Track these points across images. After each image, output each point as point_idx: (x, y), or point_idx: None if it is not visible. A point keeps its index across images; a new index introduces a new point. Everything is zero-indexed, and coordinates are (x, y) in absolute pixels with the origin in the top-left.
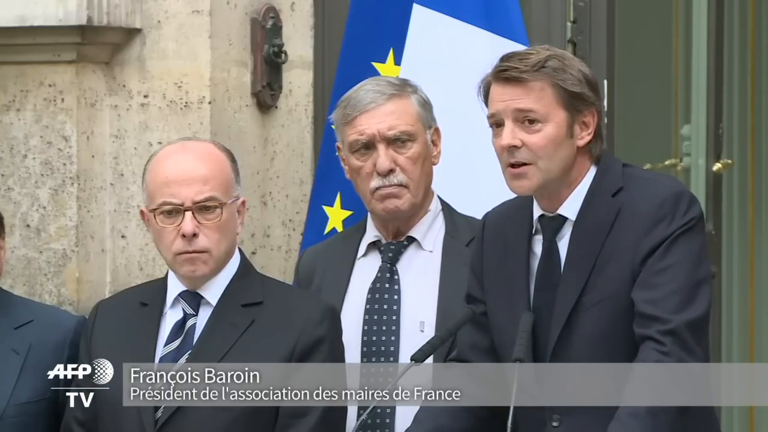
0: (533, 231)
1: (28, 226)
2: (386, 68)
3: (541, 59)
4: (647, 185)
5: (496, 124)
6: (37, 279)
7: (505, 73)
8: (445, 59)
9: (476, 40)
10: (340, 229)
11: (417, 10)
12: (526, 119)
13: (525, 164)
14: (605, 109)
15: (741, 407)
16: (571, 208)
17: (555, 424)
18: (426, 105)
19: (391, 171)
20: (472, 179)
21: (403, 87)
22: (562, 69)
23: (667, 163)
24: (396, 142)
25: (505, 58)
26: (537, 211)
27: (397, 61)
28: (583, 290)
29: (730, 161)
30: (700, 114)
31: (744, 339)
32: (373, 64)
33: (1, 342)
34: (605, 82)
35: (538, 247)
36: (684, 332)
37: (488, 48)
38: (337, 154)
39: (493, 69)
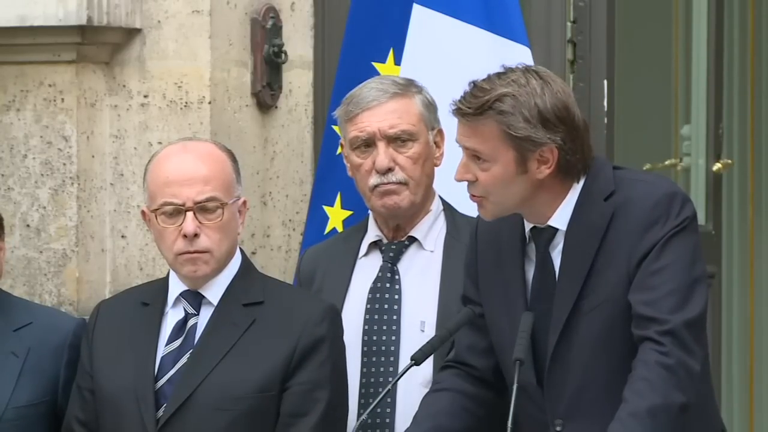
0: (527, 240)
1: (28, 226)
2: (386, 68)
3: (489, 100)
4: (639, 187)
5: None
6: (37, 279)
7: (455, 112)
8: (445, 59)
9: (476, 40)
10: (340, 229)
11: (417, 10)
12: (476, 156)
13: (478, 196)
14: (605, 108)
15: (741, 407)
16: (561, 219)
17: (558, 428)
18: (430, 106)
19: (390, 169)
20: None
21: (408, 87)
22: (511, 112)
23: (667, 163)
24: (396, 140)
25: (469, 87)
26: (528, 224)
27: (397, 61)
28: (580, 295)
29: (730, 161)
30: (700, 114)
31: (744, 339)
32: (373, 64)
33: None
34: (605, 82)
35: (532, 253)
36: (682, 332)
37: (488, 48)
38: (340, 152)
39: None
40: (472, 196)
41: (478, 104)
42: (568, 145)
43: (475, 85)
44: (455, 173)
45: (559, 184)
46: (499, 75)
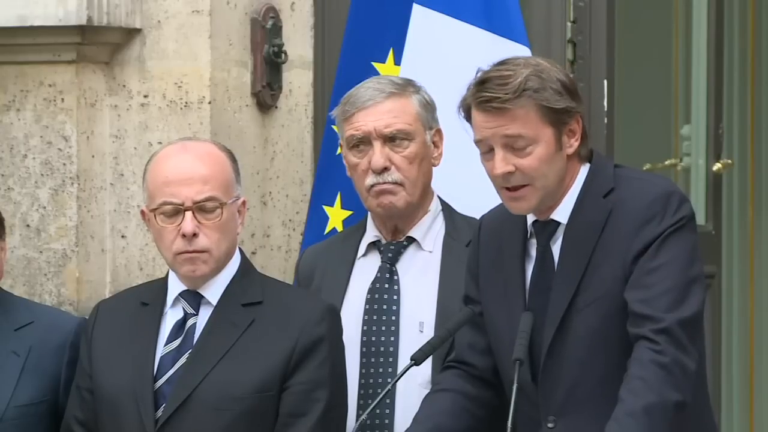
0: (528, 235)
1: (28, 226)
2: (386, 68)
3: (520, 81)
4: (638, 185)
5: (484, 149)
6: (37, 279)
7: (487, 104)
8: (445, 59)
9: (476, 40)
10: (340, 229)
11: (417, 10)
12: (513, 145)
13: (521, 186)
14: (605, 108)
15: (741, 407)
16: (563, 212)
17: (550, 425)
18: (428, 106)
19: (385, 169)
20: (472, 180)
21: (405, 86)
22: (542, 87)
23: (667, 163)
24: (393, 140)
25: (483, 81)
26: (531, 217)
27: (397, 61)
28: (576, 291)
29: (730, 161)
30: (700, 114)
31: (744, 339)
32: (374, 64)
33: (1, 344)
34: (605, 82)
35: (533, 250)
36: (677, 330)
37: (488, 48)
38: (340, 152)
39: (471, 94)
40: (513, 189)
41: (513, 88)
42: (583, 114)
43: (491, 77)
44: (494, 169)
45: (574, 164)
46: (504, 63)
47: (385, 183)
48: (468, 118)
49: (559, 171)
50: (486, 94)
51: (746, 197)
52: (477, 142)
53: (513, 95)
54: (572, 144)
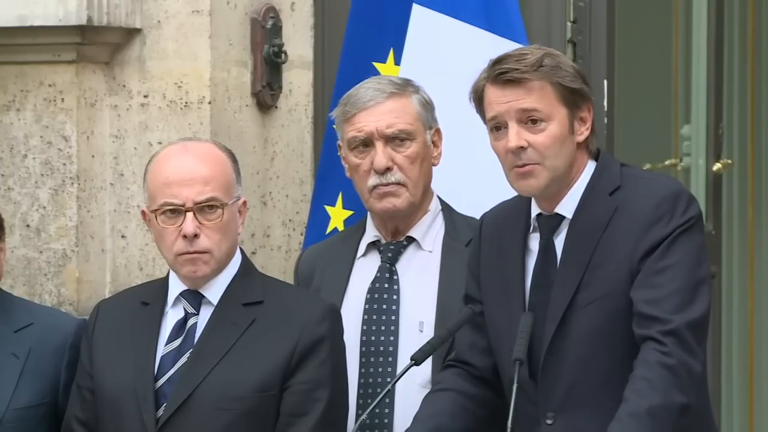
0: (531, 229)
1: (28, 226)
2: (386, 68)
3: (538, 58)
4: (645, 184)
5: (497, 127)
6: (37, 279)
7: (505, 75)
8: (445, 59)
9: (476, 40)
10: (341, 228)
11: (417, 10)
12: (530, 119)
13: (532, 164)
14: (605, 108)
15: (741, 407)
16: (568, 206)
17: (549, 422)
18: (427, 105)
19: (388, 169)
20: (472, 179)
21: (405, 86)
22: (558, 66)
23: (667, 163)
24: (394, 140)
25: (500, 60)
26: (535, 210)
27: (397, 61)
28: (578, 288)
29: (730, 161)
30: (700, 114)
31: (744, 339)
32: (374, 64)
33: (0, 346)
34: (605, 82)
35: (534, 244)
36: (685, 332)
37: (488, 48)
38: (339, 153)
39: (488, 72)
40: (524, 166)
41: (531, 62)
42: (594, 106)
43: (509, 55)
44: (508, 142)
45: (583, 157)
46: (523, 48)
47: (388, 184)
48: (479, 104)
49: (569, 156)
50: (504, 67)
51: (746, 197)
52: (490, 120)
53: (531, 68)
54: (583, 132)
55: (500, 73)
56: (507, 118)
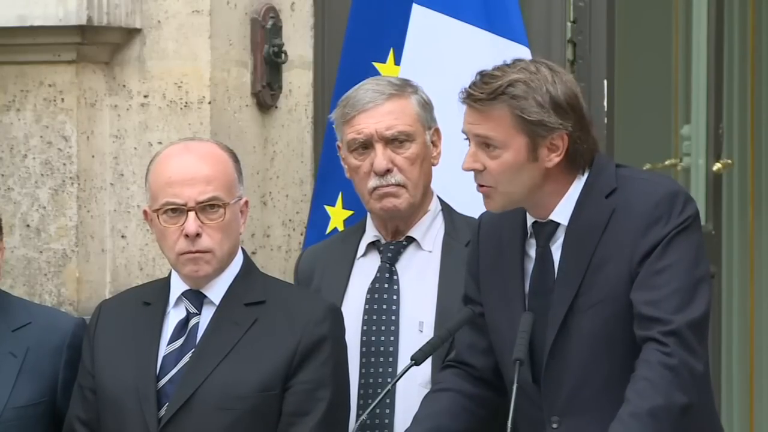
0: (528, 235)
1: (28, 226)
2: (386, 68)
3: (502, 85)
4: (642, 185)
5: (467, 139)
6: (37, 279)
7: (466, 98)
8: (445, 59)
9: (476, 41)
10: (341, 229)
11: (417, 10)
12: (485, 144)
13: (487, 186)
14: (605, 108)
15: (741, 407)
16: (562, 213)
17: (554, 425)
18: (426, 106)
19: (388, 171)
20: (472, 179)
21: (404, 87)
22: (524, 96)
23: (667, 163)
24: (394, 141)
25: (476, 77)
26: (530, 218)
27: (397, 61)
28: (578, 292)
29: (730, 161)
30: (700, 114)
31: (744, 339)
32: (374, 64)
33: None
34: (605, 82)
35: (532, 250)
36: (686, 332)
37: (488, 48)
38: (338, 154)
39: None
40: (480, 187)
41: (491, 89)
42: (577, 133)
43: (484, 73)
44: (463, 162)
45: (565, 175)
46: (507, 64)
47: (388, 185)
48: None
49: (529, 181)
50: (468, 90)
51: (746, 197)
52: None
53: (488, 97)
54: (552, 159)
55: (464, 95)
56: (470, 137)
